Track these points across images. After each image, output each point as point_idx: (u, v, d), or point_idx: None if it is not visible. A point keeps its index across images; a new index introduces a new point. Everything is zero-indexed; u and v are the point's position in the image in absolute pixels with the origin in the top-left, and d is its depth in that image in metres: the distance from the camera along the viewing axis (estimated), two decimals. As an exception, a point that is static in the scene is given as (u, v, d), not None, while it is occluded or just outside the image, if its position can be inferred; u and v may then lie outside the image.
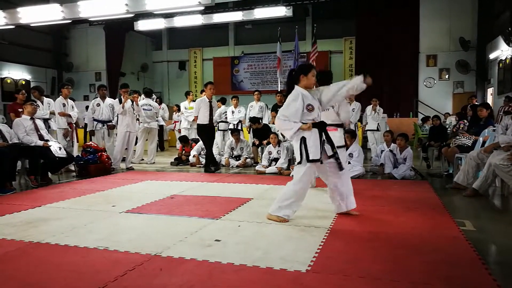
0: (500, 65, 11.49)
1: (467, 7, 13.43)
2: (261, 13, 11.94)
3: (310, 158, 3.40)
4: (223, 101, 9.85)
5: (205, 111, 6.77)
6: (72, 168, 6.81)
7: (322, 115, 4.47)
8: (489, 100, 12.64)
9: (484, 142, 5.48)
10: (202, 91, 9.68)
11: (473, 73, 13.54)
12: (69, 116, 7.08)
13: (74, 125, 7.24)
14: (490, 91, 12.84)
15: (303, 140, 3.44)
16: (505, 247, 2.88)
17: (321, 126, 3.51)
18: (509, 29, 9.48)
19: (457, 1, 13.51)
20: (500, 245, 2.93)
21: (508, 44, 9.91)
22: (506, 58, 10.89)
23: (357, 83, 3.40)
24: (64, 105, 7.07)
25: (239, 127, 8.89)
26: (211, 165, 6.98)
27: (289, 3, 12.26)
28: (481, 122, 5.98)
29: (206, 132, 6.90)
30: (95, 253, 2.77)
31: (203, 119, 6.83)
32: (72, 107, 7.24)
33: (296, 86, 3.54)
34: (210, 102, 6.82)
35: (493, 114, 6.50)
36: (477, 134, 5.84)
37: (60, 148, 5.94)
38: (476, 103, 11.04)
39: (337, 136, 4.14)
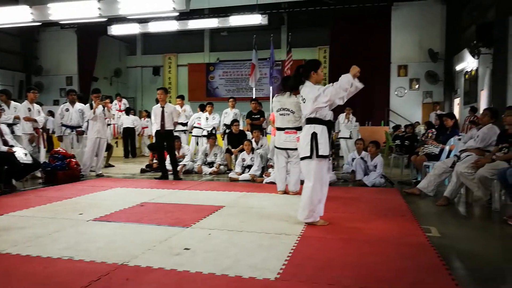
0: (466, 76, 11.94)
1: (436, 20, 13.94)
2: (237, 20, 12.01)
3: (320, 153, 3.49)
4: (201, 108, 9.73)
5: (158, 118, 6.77)
6: (39, 174, 6.59)
7: (282, 119, 4.89)
8: (456, 110, 13.10)
9: (450, 151, 5.68)
10: (179, 96, 9.60)
11: (441, 83, 14.02)
12: (35, 121, 6.86)
13: (40, 130, 7.01)
14: (457, 101, 13.31)
15: (314, 136, 3.51)
16: (468, 253, 2.98)
17: (330, 125, 3.63)
18: (475, 42, 9.87)
19: (427, 15, 14.00)
20: (463, 251, 3.02)
21: (473, 57, 10.31)
22: (471, 70, 11.34)
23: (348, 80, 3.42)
24: (29, 109, 6.85)
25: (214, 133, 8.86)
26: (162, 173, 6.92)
27: (264, 12, 12.36)
28: (448, 132, 6.20)
29: (161, 138, 6.85)
30: (59, 263, 2.68)
31: (156, 126, 6.85)
32: (39, 111, 7.02)
33: (307, 82, 3.64)
34: (163, 108, 6.73)
35: (457, 123, 6.74)
36: (444, 142, 6.04)
37: (25, 154, 5.74)
38: (439, 111, 11.44)
39: (294, 139, 4.90)
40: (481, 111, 8.70)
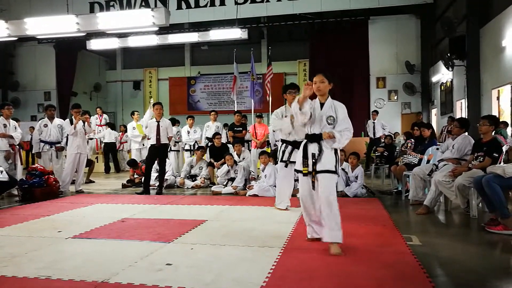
0: (442, 87, 12.28)
1: (411, 33, 14.35)
2: (217, 35, 12.08)
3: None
4: (173, 122, 9.73)
5: (153, 132, 6.81)
6: (15, 192, 6.41)
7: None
8: (434, 120, 13.42)
9: (428, 160, 5.80)
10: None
11: (418, 94, 14.35)
12: (11, 137, 6.70)
13: (17, 146, 6.84)
14: (434, 111, 13.64)
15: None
16: (448, 260, 3.02)
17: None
18: (448, 54, 10.19)
19: (402, 28, 14.40)
20: (443, 258, 3.06)
21: (448, 68, 10.63)
22: (446, 81, 11.67)
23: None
24: (5, 125, 6.69)
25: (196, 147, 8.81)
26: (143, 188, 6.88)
27: (244, 26, 12.48)
28: (426, 142, 6.34)
29: (155, 153, 6.85)
30: (35, 283, 2.59)
31: (152, 140, 6.87)
32: (15, 128, 6.86)
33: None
34: (158, 122, 6.78)
35: (435, 133, 6.91)
36: (422, 152, 6.17)
37: (1, 172, 5.59)
38: (422, 120, 11.70)
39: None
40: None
